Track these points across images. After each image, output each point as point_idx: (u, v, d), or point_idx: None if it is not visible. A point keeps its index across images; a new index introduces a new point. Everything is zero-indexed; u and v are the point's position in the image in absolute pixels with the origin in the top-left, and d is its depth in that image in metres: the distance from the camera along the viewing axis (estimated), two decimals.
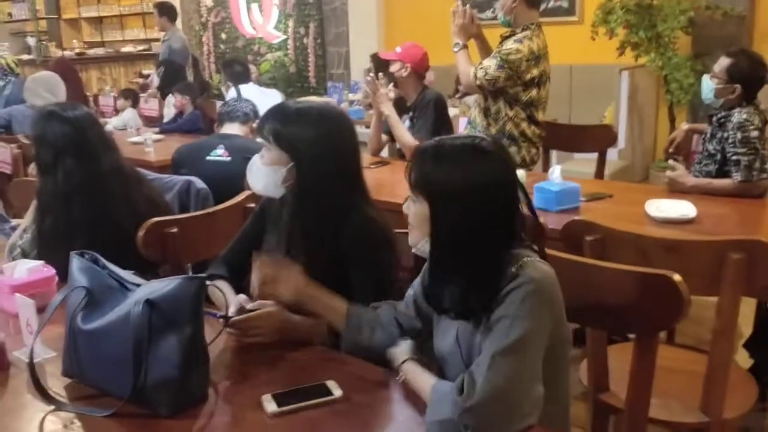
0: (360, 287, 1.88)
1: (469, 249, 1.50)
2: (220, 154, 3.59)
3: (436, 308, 1.61)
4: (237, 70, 5.90)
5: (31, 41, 12.39)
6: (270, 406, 1.54)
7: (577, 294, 1.77)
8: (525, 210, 1.58)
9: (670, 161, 3.29)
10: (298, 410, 1.53)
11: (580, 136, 4.25)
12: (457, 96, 5.89)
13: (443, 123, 3.92)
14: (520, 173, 3.14)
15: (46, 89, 5.30)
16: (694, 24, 5.95)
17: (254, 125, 3.81)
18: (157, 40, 10.07)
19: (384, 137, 4.15)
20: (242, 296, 1.96)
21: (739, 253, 1.95)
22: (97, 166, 2.41)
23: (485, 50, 3.89)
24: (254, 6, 8.97)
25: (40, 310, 1.77)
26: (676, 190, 3.09)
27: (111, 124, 6.21)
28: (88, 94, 8.48)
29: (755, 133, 3.02)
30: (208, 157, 3.59)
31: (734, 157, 3.04)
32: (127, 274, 1.70)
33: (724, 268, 1.97)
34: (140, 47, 11.94)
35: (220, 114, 3.87)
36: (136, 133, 5.80)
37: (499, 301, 1.46)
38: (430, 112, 3.90)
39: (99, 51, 12.27)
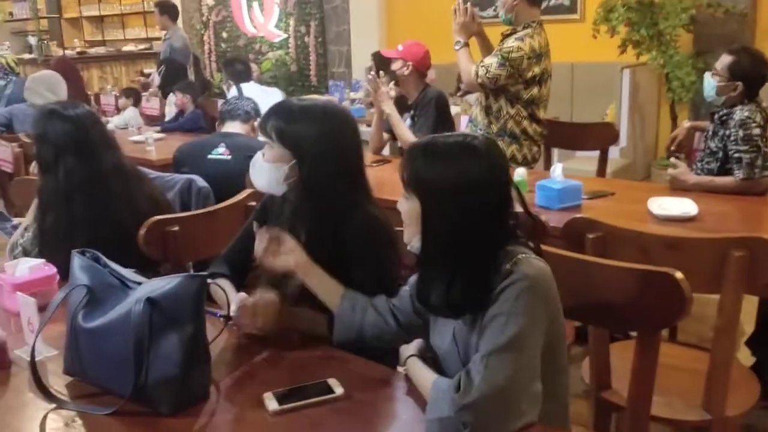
0: (362, 285, 1.88)
1: (459, 247, 1.49)
2: (221, 152, 3.59)
3: (425, 305, 1.61)
4: (238, 68, 5.90)
5: (32, 40, 12.40)
6: (271, 404, 1.53)
7: (579, 292, 1.78)
8: (519, 208, 1.58)
9: (672, 159, 3.29)
10: (300, 408, 1.53)
11: (582, 134, 4.24)
12: (458, 94, 5.88)
13: (444, 121, 3.92)
14: (522, 171, 3.16)
15: (47, 88, 5.30)
16: (696, 22, 5.95)
17: (255, 124, 3.81)
18: (158, 39, 10.07)
19: (385, 136, 4.15)
20: (243, 294, 1.96)
21: (741, 250, 1.95)
22: (98, 165, 2.41)
23: (486, 48, 3.88)
24: (255, 5, 8.97)
25: (42, 308, 1.77)
26: (677, 188, 3.09)
27: (112, 123, 6.21)
28: (89, 93, 8.48)
29: (757, 131, 3.02)
30: (209, 156, 3.59)
31: (736, 155, 3.03)
32: (128, 273, 1.70)
33: (725, 265, 1.97)
34: (141, 46, 11.94)
35: (221, 112, 3.87)
36: (137, 132, 5.81)
37: (493, 299, 1.45)
38: (431, 111, 3.89)
39: (100, 50, 12.27)
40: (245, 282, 2.18)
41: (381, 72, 4.05)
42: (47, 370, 1.74)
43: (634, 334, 2.04)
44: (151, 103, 7.00)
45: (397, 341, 1.80)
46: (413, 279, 1.73)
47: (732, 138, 3.06)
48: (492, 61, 3.60)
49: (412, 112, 4.03)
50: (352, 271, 1.91)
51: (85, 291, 1.64)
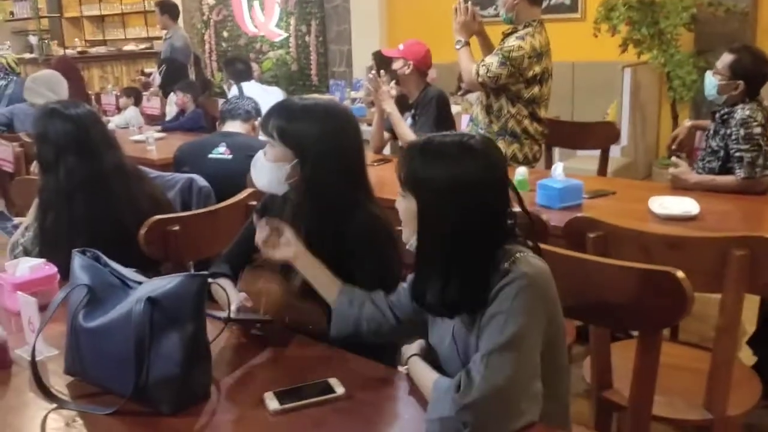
0: (363, 284, 1.87)
1: (455, 246, 1.49)
2: (222, 152, 3.59)
3: (421, 304, 1.61)
4: (239, 68, 5.90)
5: (33, 40, 12.40)
6: (272, 403, 1.53)
7: (580, 291, 1.78)
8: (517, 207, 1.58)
9: (673, 158, 3.28)
10: (301, 408, 1.53)
11: (583, 133, 4.24)
12: (459, 93, 5.88)
13: (445, 120, 3.91)
14: (523, 170, 3.16)
15: (47, 88, 5.30)
16: (697, 21, 5.94)
17: (256, 123, 3.81)
18: (159, 38, 10.08)
19: (386, 135, 4.15)
20: (243, 294, 1.96)
21: (743, 249, 1.95)
22: (99, 164, 2.41)
23: (487, 47, 3.88)
24: (256, 4, 8.98)
25: (42, 308, 1.77)
26: (679, 187, 3.09)
27: (113, 122, 6.21)
28: (90, 92, 8.48)
29: (758, 130, 3.01)
30: (210, 155, 3.59)
31: (737, 154, 3.03)
32: (128, 272, 1.69)
33: (727, 264, 1.97)
34: (142, 46, 11.94)
35: (222, 112, 3.87)
36: (138, 131, 5.80)
37: (492, 298, 1.45)
38: (432, 110, 3.89)
39: (101, 49, 12.28)
40: None
41: (382, 71, 4.05)
42: (48, 369, 1.73)
43: (635, 333, 2.04)
44: (151, 103, 7.00)
45: (395, 335, 1.81)
46: (411, 276, 1.73)
47: (733, 137, 3.06)
48: (493, 60, 3.60)
49: (412, 111, 4.03)
50: (354, 270, 1.91)
51: (86, 290, 1.64)
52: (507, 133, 3.71)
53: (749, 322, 3.01)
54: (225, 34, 9.65)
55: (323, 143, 1.93)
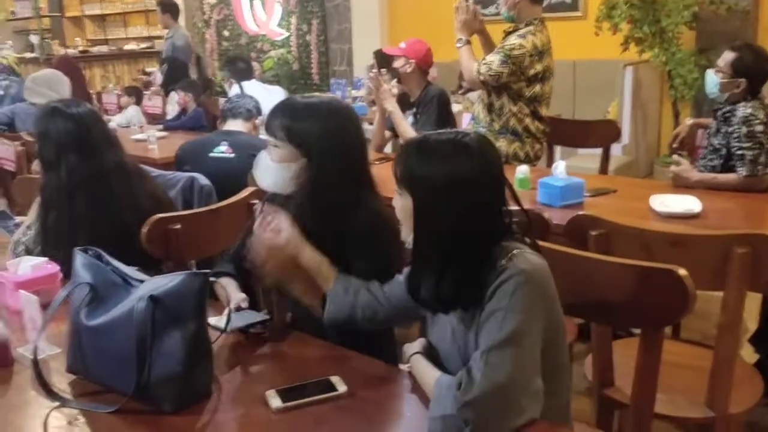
0: (361, 278, 1.87)
1: (450, 243, 1.49)
2: (223, 150, 3.59)
3: (416, 299, 1.61)
4: (240, 67, 5.90)
5: (34, 39, 12.38)
6: (274, 401, 1.53)
7: (582, 289, 1.77)
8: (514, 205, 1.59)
9: (675, 156, 3.28)
10: (303, 406, 1.53)
11: (584, 132, 4.23)
12: (460, 92, 5.87)
13: (446, 119, 3.92)
14: (524, 169, 3.16)
15: (48, 87, 5.29)
16: (698, 19, 5.94)
17: (257, 122, 3.81)
18: (160, 37, 10.08)
19: (387, 133, 4.15)
20: (242, 295, 1.96)
21: (745, 247, 1.94)
22: (100, 163, 2.41)
23: (488, 46, 3.88)
24: (257, 3, 8.96)
25: (44, 306, 1.77)
26: (680, 185, 3.09)
27: (115, 121, 6.22)
28: (91, 91, 8.48)
29: (760, 128, 3.01)
30: (211, 154, 3.59)
31: (739, 152, 3.03)
32: (130, 271, 1.70)
33: (729, 262, 1.96)
34: (143, 45, 11.93)
35: (223, 111, 3.87)
36: (139, 130, 5.80)
37: (490, 295, 1.45)
38: (433, 108, 3.89)
39: (102, 49, 12.27)
40: (251, 281, 2.19)
41: (383, 70, 4.06)
42: (50, 368, 1.73)
43: (636, 331, 2.04)
44: (153, 102, 7.01)
45: (390, 324, 1.85)
46: (407, 269, 1.73)
47: (735, 135, 3.05)
48: (494, 58, 3.60)
49: (414, 109, 4.03)
50: (353, 264, 1.91)
51: (88, 289, 1.64)
52: (508, 132, 3.71)
53: (751, 320, 3.01)
54: (226, 33, 9.64)
55: (329, 141, 1.93)
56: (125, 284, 1.65)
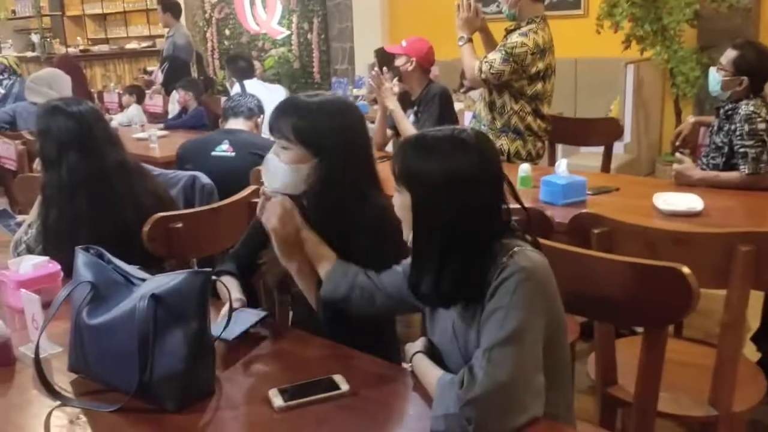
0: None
1: (449, 239, 1.49)
2: (224, 149, 3.58)
3: (416, 294, 1.61)
4: (241, 65, 5.90)
5: (35, 38, 12.39)
6: (277, 400, 1.53)
7: (585, 287, 1.77)
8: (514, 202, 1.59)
9: (677, 154, 3.28)
10: (305, 405, 1.53)
11: (586, 130, 4.23)
12: (461, 90, 5.86)
13: (448, 117, 3.90)
14: (526, 167, 3.16)
15: (49, 87, 5.29)
16: (700, 17, 5.93)
17: (259, 120, 3.81)
18: (161, 36, 10.06)
19: (389, 132, 4.15)
20: (237, 296, 1.96)
21: (748, 245, 1.94)
22: (102, 162, 2.40)
23: (490, 44, 3.87)
24: (258, 2, 8.96)
25: (46, 305, 1.76)
26: (683, 183, 3.08)
27: (116, 120, 6.23)
28: (92, 90, 8.48)
29: (762, 125, 3.00)
30: (212, 153, 3.59)
31: (741, 150, 3.02)
32: (132, 269, 1.69)
33: (732, 260, 1.96)
34: (144, 44, 11.93)
35: (225, 109, 3.86)
36: (140, 129, 5.81)
37: (491, 294, 1.45)
38: (434, 107, 3.89)
39: (103, 48, 12.26)
40: (252, 279, 2.18)
41: (384, 68, 4.04)
42: (52, 367, 1.73)
43: (639, 330, 2.03)
44: (154, 101, 7.01)
45: (387, 310, 1.86)
46: (406, 262, 1.73)
47: (737, 133, 3.05)
48: (496, 56, 3.59)
49: (415, 108, 4.03)
50: (357, 260, 1.90)
51: (89, 288, 1.64)
52: (510, 130, 3.71)
53: (753, 319, 3.01)
54: (227, 31, 9.64)
55: (340, 140, 1.92)
56: (127, 283, 1.65)
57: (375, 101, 4.71)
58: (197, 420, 1.51)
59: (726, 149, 3.14)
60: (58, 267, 2.13)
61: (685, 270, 1.63)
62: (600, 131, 4.10)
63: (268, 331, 1.91)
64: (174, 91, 6.29)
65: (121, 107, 6.99)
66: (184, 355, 1.52)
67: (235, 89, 5.58)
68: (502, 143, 3.70)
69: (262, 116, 3.83)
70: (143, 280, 1.64)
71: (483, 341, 1.43)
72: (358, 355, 1.76)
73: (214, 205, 2.74)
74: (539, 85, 3.65)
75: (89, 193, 2.37)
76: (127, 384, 1.53)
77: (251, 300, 2.10)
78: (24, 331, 1.84)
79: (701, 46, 6.03)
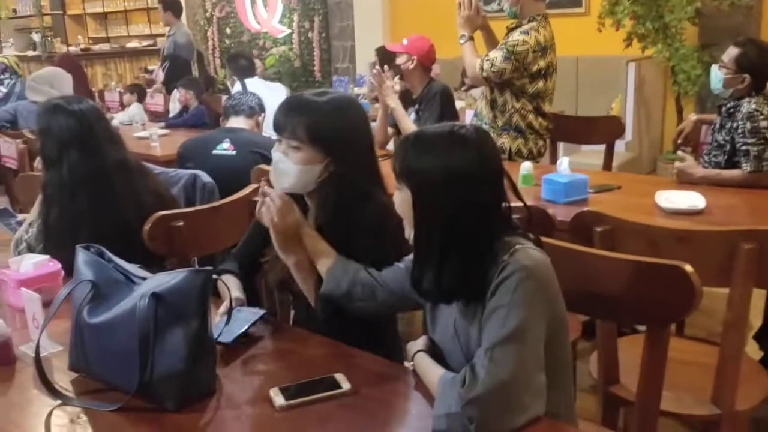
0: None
1: (449, 236, 1.49)
2: (225, 147, 3.58)
3: (418, 291, 1.61)
4: (242, 64, 5.89)
5: (36, 37, 12.40)
6: (278, 399, 1.52)
7: (587, 286, 1.76)
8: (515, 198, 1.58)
9: (679, 152, 3.27)
10: (307, 404, 1.52)
11: (588, 128, 4.23)
12: (463, 89, 5.86)
13: (449, 116, 3.90)
14: (528, 165, 3.15)
15: (50, 85, 5.29)
16: (701, 14, 5.93)
17: (260, 119, 3.80)
18: (162, 35, 10.06)
19: (390, 130, 4.14)
20: (239, 296, 1.95)
21: (751, 243, 1.93)
22: (102, 160, 2.40)
23: (491, 42, 3.87)
24: (259, 0, 8.95)
25: (46, 304, 1.75)
26: (684, 181, 3.07)
27: (117, 119, 6.23)
28: (93, 89, 8.48)
29: (764, 123, 2.99)
30: (213, 151, 3.58)
31: (743, 148, 3.01)
32: (133, 268, 1.69)
33: (735, 258, 1.95)
34: (145, 43, 11.94)
35: (226, 108, 3.86)
36: (141, 128, 5.81)
37: (492, 292, 1.45)
38: (436, 105, 3.88)
39: (104, 47, 12.27)
40: (254, 278, 2.18)
41: (385, 66, 4.04)
42: (52, 366, 1.73)
43: (641, 328, 2.03)
44: (155, 100, 7.02)
45: (388, 307, 1.85)
46: (408, 259, 1.72)
47: (739, 130, 3.04)
48: (497, 54, 3.59)
49: (416, 106, 4.02)
50: (358, 258, 1.90)
51: (90, 286, 1.63)
52: (511, 128, 3.70)
53: (755, 317, 3.00)
54: (228, 30, 9.64)
55: (348, 139, 1.92)
56: (127, 282, 1.65)
57: (376, 100, 4.70)
58: (198, 419, 1.51)
59: (728, 147, 3.13)
60: (59, 266, 2.12)
61: (688, 268, 1.62)
62: (601, 129, 4.10)
63: (269, 330, 1.91)
64: (175, 90, 6.29)
65: (122, 106, 7.00)
66: (185, 354, 1.52)
67: (236, 88, 5.58)
68: (504, 141, 3.70)
69: (263, 115, 3.83)
70: (144, 278, 1.63)
71: (484, 340, 1.43)
72: (359, 354, 1.76)
73: (215, 204, 2.74)
74: (540, 84, 3.64)
75: (90, 192, 2.36)
76: (128, 383, 1.52)
77: (253, 299, 2.10)
78: (24, 330, 1.84)
79: (703, 44, 6.02)
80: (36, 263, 2.11)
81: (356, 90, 7.51)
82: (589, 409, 2.33)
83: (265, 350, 1.82)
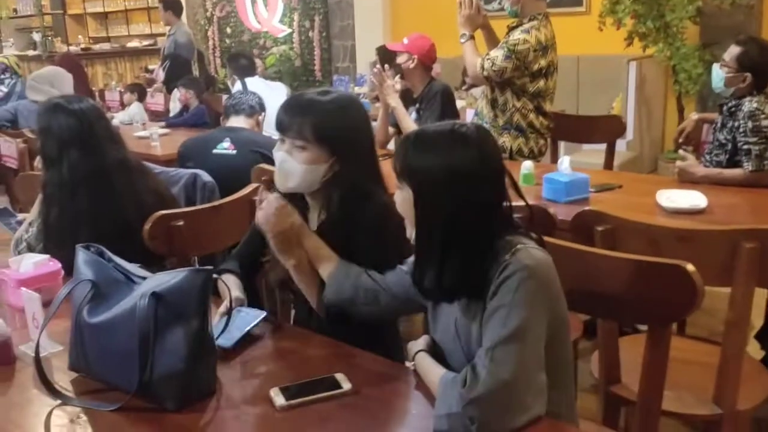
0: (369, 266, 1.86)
1: (451, 234, 1.49)
2: (226, 147, 3.58)
3: (419, 289, 1.61)
4: (243, 63, 5.89)
5: (36, 37, 12.40)
6: (278, 399, 1.52)
7: (588, 285, 1.76)
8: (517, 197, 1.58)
9: (680, 151, 3.26)
10: (307, 403, 1.52)
11: (589, 127, 4.22)
12: (463, 88, 5.86)
13: (450, 115, 3.90)
14: (529, 164, 3.15)
15: (50, 85, 5.29)
16: (702, 13, 5.92)
17: (260, 118, 3.80)
18: (162, 35, 10.06)
19: (391, 130, 4.14)
20: (239, 296, 1.95)
21: (753, 242, 1.93)
22: (103, 159, 2.40)
23: (492, 41, 3.86)
24: (259, 0, 8.95)
25: (46, 304, 1.75)
26: (686, 181, 3.07)
27: (117, 118, 6.23)
28: (93, 89, 8.48)
29: (766, 122, 2.99)
30: (214, 151, 3.58)
31: (745, 147, 3.01)
32: (133, 267, 1.68)
33: (737, 257, 1.95)
34: (146, 42, 11.94)
35: (226, 107, 3.85)
36: (142, 127, 5.81)
37: (493, 292, 1.44)
38: (437, 104, 3.88)
39: (104, 46, 12.27)
40: (255, 278, 2.17)
41: (386, 65, 4.04)
42: (52, 366, 1.72)
43: (643, 328, 2.02)
44: (155, 99, 7.01)
45: (392, 311, 1.85)
46: (410, 259, 1.72)
47: (741, 129, 3.04)
48: (498, 53, 3.59)
49: (417, 105, 4.02)
50: (358, 258, 1.89)
51: (90, 286, 1.63)
52: (512, 127, 3.70)
53: (757, 317, 2.99)
54: (228, 30, 9.64)
55: (351, 137, 1.92)
56: (127, 281, 1.64)
57: (377, 99, 4.70)
58: (198, 419, 1.51)
59: (729, 146, 3.13)
60: (59, 265, 2.12)
61: (690, 267, 1.62)
62: (602, 128, 4.09)
63: (269, 330, 1.90)
64: (175, 89, 6.29)
65: (123, 105, 7.00)
66: (185, 353, 1.51)
67: (237, 87, 5.57)
68: (505, 140, 3.69)
69: (263, 114, 3.83)
70: (144, 278, 1.63)
71: (485, 340, 1.42)
72: (360, 354, 1.76)
73: (216, 203, 2.74)
74: (541, 83, 3.64)
75: (90, 191, 2.36)
76: (128, 383, 1.52)
77: (253, 299, 2.09)
78: (24, 330, 1.84)
79: (704, 43, 6.02)
80: (36, 263, 2.11)
81: (357, 89, 7.51)
82: (591, 409, 2.33)
83: (266, 350, 1.82)
